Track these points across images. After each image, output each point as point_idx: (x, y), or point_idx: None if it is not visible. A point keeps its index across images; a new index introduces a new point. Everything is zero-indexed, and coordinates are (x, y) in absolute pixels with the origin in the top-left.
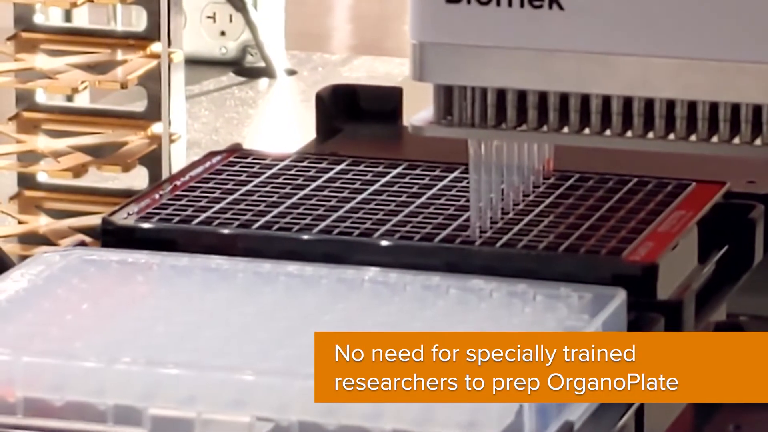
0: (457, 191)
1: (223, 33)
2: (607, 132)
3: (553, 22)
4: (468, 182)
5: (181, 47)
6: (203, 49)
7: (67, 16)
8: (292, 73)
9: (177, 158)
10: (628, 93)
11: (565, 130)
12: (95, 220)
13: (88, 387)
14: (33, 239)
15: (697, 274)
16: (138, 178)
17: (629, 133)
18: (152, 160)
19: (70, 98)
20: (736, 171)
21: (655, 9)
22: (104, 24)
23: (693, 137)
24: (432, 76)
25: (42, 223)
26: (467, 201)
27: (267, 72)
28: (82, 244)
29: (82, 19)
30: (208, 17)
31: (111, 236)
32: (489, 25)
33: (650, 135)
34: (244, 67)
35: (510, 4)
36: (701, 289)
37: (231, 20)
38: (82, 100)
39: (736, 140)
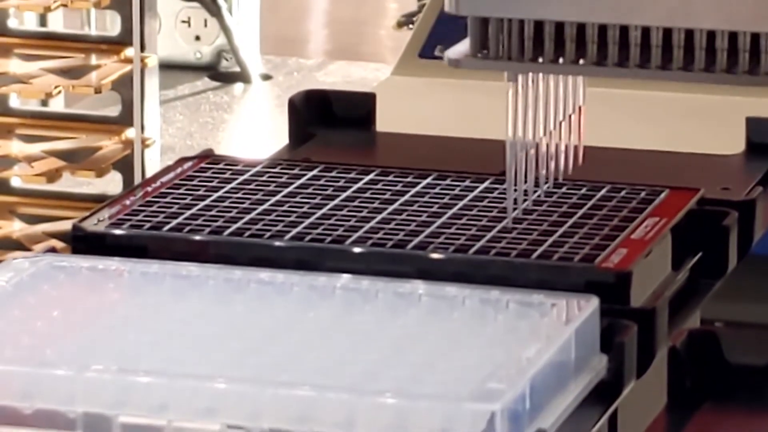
0: (430, 198)
1: (198, 38)
2: (647, 65)
3: None
4: (441, 189)
5: (155, 52)
6: (178, 54)
7: (42, 21)
8: (267, 77)
9: (151, 163)
10: (668, 24)
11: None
12: (69, 225)
13: (58, 395)
14: (6, 244)
15: (670, 281)
16: (112, 183)
17: (670, 66)
18: (126, 165)
19: (45, 103)
20: (710, 178)
21: None
22: (79, 29)
23: (736, 69)
24: (468, 8)
25: (16, 228)
26: (440, 208)
27: (242, 77)
28: (53, 250)
29: (57, 23)
30: (183, 22)
31: (81, 243)
32: None
33: (690, 68)
34: (219, 72)
35: None
36: (675, 296)
37: (206, 25)
38: (57, 105)
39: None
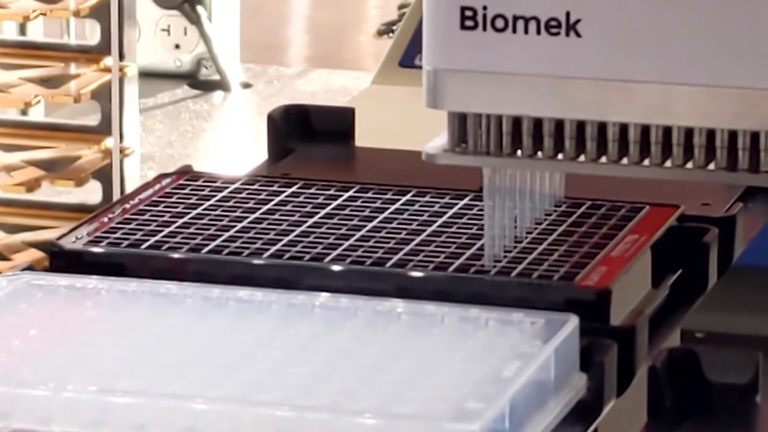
0: (409, 215)
1: (177, 46)
2: (624, 160)
3: (570, 49)
4: (420, 206)
5: (134, 61)
6: (158, 62)
7: (22, 30)
8: (247, 86)
9: (131, 172)
10: (646, 121)
11: (582, 158)
12: (48, 235)
13: (35, 415)
14: None
15: (650, 298)
16: (92, 193)
17: (646, 162)
18: (106, 175)
19: (24, 112)
20: (690, 194)
21: (672, 36)
22: (58, 38)
23: (711, 166)
24: (446, 104)
25: None
26: (419, 225)
27: (222, 85)
28: (30, 268)
29: (36, 32)
30: (163, 30)
31: (59, 260)
32: (505, 52)
33: (668, 163)
34: (199, 80)
35: (526, 31)
36: (655, 313)
37: (185, 33)
38: (37, 114)
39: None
